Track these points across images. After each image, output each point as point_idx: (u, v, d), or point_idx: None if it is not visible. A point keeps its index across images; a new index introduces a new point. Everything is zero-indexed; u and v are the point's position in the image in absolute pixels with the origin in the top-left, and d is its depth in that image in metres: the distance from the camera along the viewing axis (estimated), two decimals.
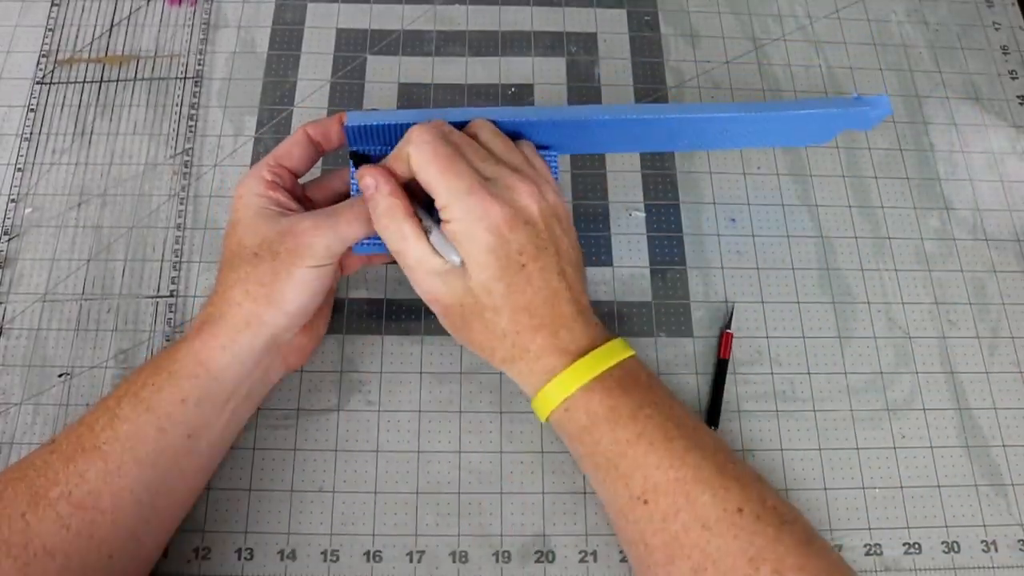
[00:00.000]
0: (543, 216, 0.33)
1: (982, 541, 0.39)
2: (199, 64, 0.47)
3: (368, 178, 0.34)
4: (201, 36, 0.48)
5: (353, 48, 0.49)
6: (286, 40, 0.49)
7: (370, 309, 0.42)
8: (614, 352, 0.33)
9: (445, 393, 0.40)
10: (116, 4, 0.49)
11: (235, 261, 0.34)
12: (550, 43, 0.49)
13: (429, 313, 0.41)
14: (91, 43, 0.47)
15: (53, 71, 0.46)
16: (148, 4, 0.48)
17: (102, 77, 0.47)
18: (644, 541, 0.31)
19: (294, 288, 0.34)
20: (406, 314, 0.42)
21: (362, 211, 0.34)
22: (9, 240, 0.43)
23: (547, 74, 0.48)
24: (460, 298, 0.33)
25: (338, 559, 0.37)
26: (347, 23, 0.49)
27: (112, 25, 0.47)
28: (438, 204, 0.32)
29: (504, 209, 0.32)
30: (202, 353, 0.33)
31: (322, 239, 0.34)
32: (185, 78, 0.47)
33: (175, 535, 0.36)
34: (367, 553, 0.37)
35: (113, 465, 0.31)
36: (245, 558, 0.37)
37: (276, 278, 0.33)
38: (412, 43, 0.49)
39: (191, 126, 0.46)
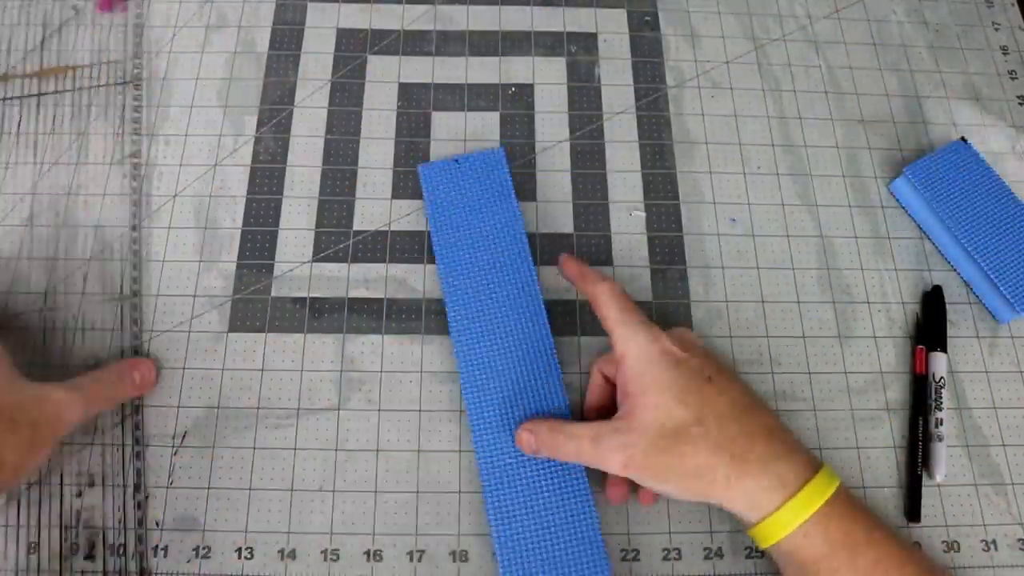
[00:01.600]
0: (688, 347, 0.35)
1: (982, 540, 0.39)
2: (136, 68, 0.47)
3: (525, 436, 0.36)
4: (135, 39, 0.47)
5: (353, 48, 0.49)
6: (286, 40, 0.49)
7: (370, 309, 0.42)
8: (832, 476, 0.33)
9: (445, 393, 0.40)
10: (44, 17, 0.48)
11: None
12: (550, 43, 0.49)
13: (429, 313, 0.41)
14: (24, 58, 0.47)
15: None
16: (77, 15, 0.48)
17: (39, 90, 0.46)
18: None
19: (44, 458, 0.34)
20: (406, 314, 0.42)
21: (110, 389, 0.37)
22: None
23: (547, 74, 0.48)
24: (659, 430, 0.32)
25: (338, 558, 0.37)
26: (347, 23, 0.49)
27: (43, 38, 0.47)
28: (616, 348, 0.35)
29: (673, 340, 0.35)
30: None
31: (76, 413, 0.34)
32: (125, 82, 0.46)
33: (175, 535, 0.36)
34: (367, 552, 0.37)
35: None
36: (245, 557, 0.37)
37: (32, 448, 0.32)
38: (412, 43, 0.49)
39: (136, 128, 0.45)
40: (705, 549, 0.38)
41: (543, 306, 0.41)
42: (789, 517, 0.32)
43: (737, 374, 0.36)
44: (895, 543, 0.32)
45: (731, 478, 0.32)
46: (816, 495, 0.32)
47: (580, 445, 0.34)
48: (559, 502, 0.37)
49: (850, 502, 0.33)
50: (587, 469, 0.37)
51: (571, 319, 0.42)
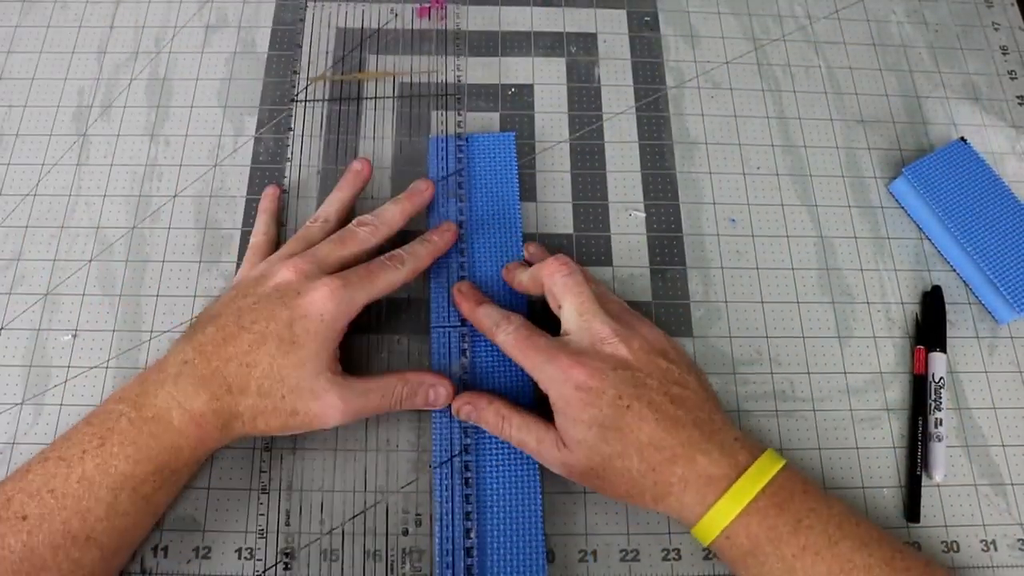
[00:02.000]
0: (638, 355, 0.34)
1: (982, 541, 0.39)
2: (457, 75, 0.48)
3: (465, 408, 0.37)
4: (455, 45, 0.49)
5: (353, 47, 0.49)
6: (286, 40, 0.49)
7: (370, 308, 0.42)
8: (763, 470, 0.33)
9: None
10: (361, 19, 0.49)
11: (279, 377, 0.34)
12: (550, 43, 0.49)
13: (429, 312, 0.41)
14: (341, 60, 0.48)
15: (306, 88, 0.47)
16: (396, 17, 0.48)
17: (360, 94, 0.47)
18: None
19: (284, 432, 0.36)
20: (406, 314, 0.42)
21: (395, 401, 0.37)
22: None
23: (547, 74, 0.48)
24: (588, 460, 0.34)
25: (338, 558, 0.37)
26: (347, 23, 0.49)
27: (361, 42, 0.48)
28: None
29: (583, 367, 0.34)
30: (203, 450, 0.34)
31: (336, 420, 0.35)
32: (446, 94, 0.47)
33: (175, 535, 0.36)
34: (367, 552, 0.37)
35: (109, 552, 0.32)
36: (245, 557, 0.37)
37: (284, 427, 0.35)
38: (415, 42, 0.49)
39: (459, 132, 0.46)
40: (704, 549, 0.38)
41: (524, 299, 0.41)
42: (712, 522, 0.32)
43: (672, 374, 0.35)
44: (830, 523, 0.32)
45: (657, 498, 0.33)
46: (740, 496, 0.32)
47: (524, 440, 0.36)
48: (507, 490, 0.37)
49: (787, 491, 0.33)
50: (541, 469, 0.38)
51: None
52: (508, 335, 0.36)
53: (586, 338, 0.35)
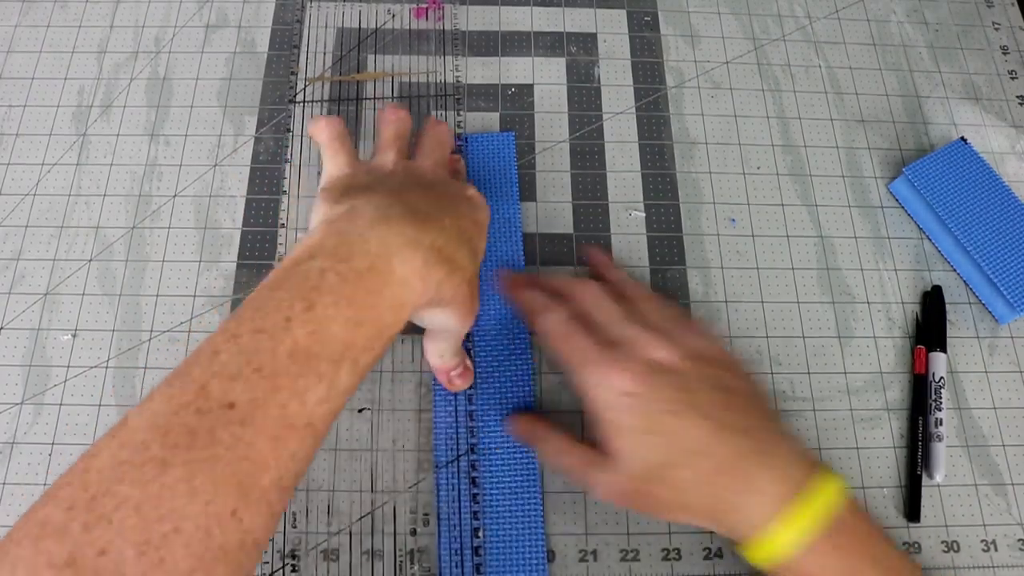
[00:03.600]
0: (685, 360, 0.33)
1: (982, 541, 0.39)
2: (456, 75, 0.48)
3: (523, 425, 0.37)
4: (454, 45, 0.49)
5: (352, 48, 0.48)
6: (286, 40, 0.49)
7: None
8: (823, 496, 0.30)
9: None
10: (359, 20, 0.49)
11: (475, 245, 0.33)
12: (550, 43, 0.49)
13: None
14: (338, 61, 0.48)
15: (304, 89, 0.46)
16: (393, 18, 0.49)
17: (359, 95, 0.47)
18: None
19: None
20: None
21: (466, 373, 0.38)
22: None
23: (547, 74, 0.48)
24: (635, 472, 0.31)
25: (338, 558, 0.37)
26: (347, 23, 0.49)
27: (359, 43, 0.47)
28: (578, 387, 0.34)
29: (629, 372, 0.32)
30: (414, 311, 0.30)
31: (469, 323, 0.34)
32: (445, 95, 0.47)
33: None
34: (367, 552, 0.37)
35: (319, 442, 0.26)
36: None
37: (467, 301, 0.33)
38: (413, 42, 0.49)
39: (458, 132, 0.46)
40: (705, 549, 0.38)
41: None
42: (763, 552, 0.30)
43: (725, 379, 0.33)
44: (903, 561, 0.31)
45: (713, 513, 0.31)
46: (792, 525, 0.30)
47: (572, 464, 0.34)
48: (508, 490, 0.37)
49: (848, 531, 0.30)
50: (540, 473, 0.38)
51: None
52: (556, 323, 0.34)
53: (626, 339, 0.33)
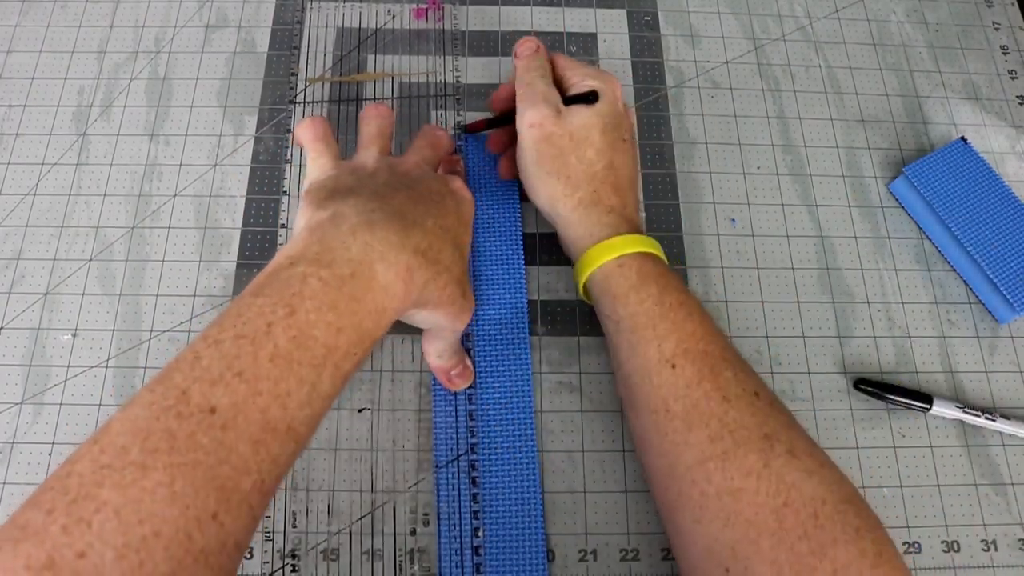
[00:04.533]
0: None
1: (982, 540, 0.39)
2: (456, 76, 0.48)
3: (531, 42, 0.40)
4: (454, 45, 0.49)
5: (352, 48, 0.49)
6: (286, 40, 0.49)
7: None
8: (657, 247, 0.37)
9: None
10: (359, 20, 0.49)
11: (462, 248, 0.35)
12: (550, 43, 0.49)
13: None
14: (339, 62, 0.48)
15: (305, 90, 0.46)
16: (393, 18, 0.49)
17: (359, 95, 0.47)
18: (666, 407, 0.32)
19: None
20: None
21: (465, 372, 0.39)
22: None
23: None
24: (570, 130, 0.37)
25: (338, 558, 0.37)
26: (347, 23, 0.49)
27: (359, 43, 0.48)
28: (573, 79, 0.39)
29: (619, 85, 0.40)
30: (396, 317, 0.30)
31: (464, 321, 0.36)
32: (445, 94, 0.47)
33: None
34: (367, 552, 0.37)
35: (301, 446, 0.27)
36: (245, 557, 0.37)
37: (451, 303, 0.34)
38: (413, 43, 0.49)
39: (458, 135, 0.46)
40: None
41: (525, 298, 0.41)
42: (612, 246, 0.35)
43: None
44: (703, 309, 0.35)
45: (583, 203, 0.37)
46: (643, 243, 0.36)
47: (544, 79, 0.39)
48: (508, 489, 0.37)
49: (668, 269, 0.36)
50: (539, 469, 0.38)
51: (570, 319, 0.42)
52: (549, 54, 0.41)
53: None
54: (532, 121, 0.37)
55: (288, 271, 0.27)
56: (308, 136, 0.37)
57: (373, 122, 0.38)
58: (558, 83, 0.40)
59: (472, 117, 0.47)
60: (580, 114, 0.38)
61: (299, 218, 0.33)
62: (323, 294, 0.27)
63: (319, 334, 0.26)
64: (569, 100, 0.39)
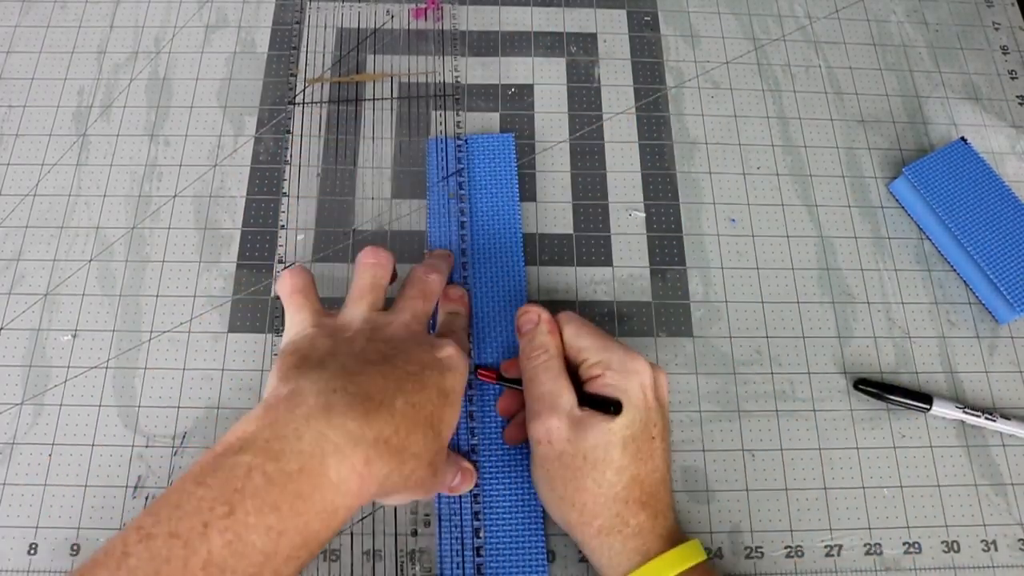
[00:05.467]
0: (662, 401, 0.34)
1: (982, 541, 0.39)
2: (455, 76, 0.48)
3: (532, 313, 0.36)
4: (452, 46, 0.48)
5: (352, 48, 0.48)
6: (286, 40, 0.49)
7: None
8: (696, 551, 0.33)
9: None
10: (358, 20, 0.49)
11: (438, 429, 0.31)
12: (550, 43, 0.49)
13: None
14: (338, 62, 0.48)
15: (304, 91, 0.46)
16: (393, 19, 0.48)
17: (358, 96, 0.47)
18: None
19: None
20: None
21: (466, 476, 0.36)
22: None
23: (547, 74, 0.48)
24: (584, 449, 0.32)
25: (338, 558, 0.37)
26: (347, 23, 0.49)
27: (358, 44, 0.47)
28: (591, 362, 0.34)
29: (650, 373, 0.33)
30: (351, 515, 0.28)
31: (442, 486, 0.35)
32: (444, 94, 0.47)
33: None
34: (368, 552, 0.37)
35: None
36: None
37: (417, 491, 0.31)
38: (412, 43, 0.49)
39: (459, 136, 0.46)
40: (706, 550, 0.37)
41: (525, 299, 0.41)
42: (645, 574, 0.31)
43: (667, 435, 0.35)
44: None
45: (603, 530, 0.32)
46: (678, 559, 0.31)
47: (562, 383, 0.34)
48: (509, 490, 0.37)
49: (712, 568, 0.33)
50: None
51: None
52: (573, 320, 0.36)
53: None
54: (539, 437, 0.33)
55: (234, 459, 0.25)
56: (287, 289, 0.34)
57: (368, 272, 0.35)
58: (573, 360, 0.35)
59: (471, 117, 0.47)
60: (598, 430, 0.32)
61: (269, 380, 0.31)
62: (266, 492, 0.25)
63: (257, 540, 0.24)
64: (587, 400, 0.34)
